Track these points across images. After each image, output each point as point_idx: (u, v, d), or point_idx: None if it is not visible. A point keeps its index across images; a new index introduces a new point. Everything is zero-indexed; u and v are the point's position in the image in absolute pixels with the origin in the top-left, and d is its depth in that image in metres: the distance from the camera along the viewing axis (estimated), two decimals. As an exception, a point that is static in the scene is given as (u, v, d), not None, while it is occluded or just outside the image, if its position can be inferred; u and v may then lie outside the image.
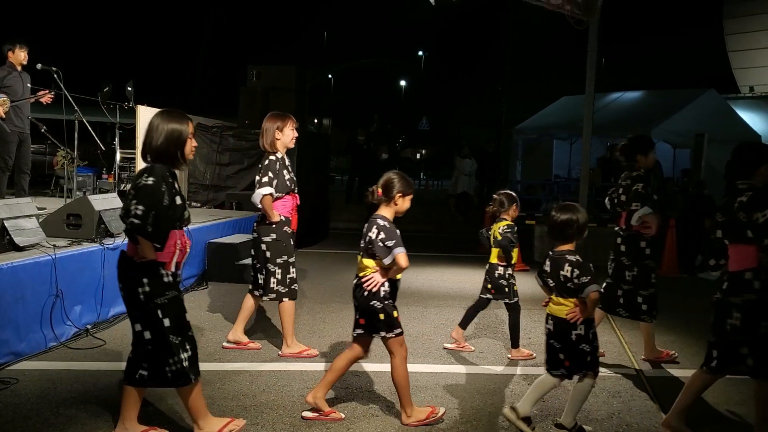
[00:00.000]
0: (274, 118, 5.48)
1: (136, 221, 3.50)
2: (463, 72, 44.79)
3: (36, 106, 8.76)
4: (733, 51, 21.24)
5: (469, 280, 9.02)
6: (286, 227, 5.41)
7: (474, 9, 30.97)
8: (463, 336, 5.90)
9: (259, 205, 5.32)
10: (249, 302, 5.63)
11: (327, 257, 10.60)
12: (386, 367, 5.28)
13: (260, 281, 5.47)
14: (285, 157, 5.47)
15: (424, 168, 38.32)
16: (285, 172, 5.39)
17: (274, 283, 5.40)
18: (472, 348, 5.86)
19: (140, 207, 3.52)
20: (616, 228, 5.76)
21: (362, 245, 4.18)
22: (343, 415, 4.28)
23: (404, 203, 4.20)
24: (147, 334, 3.68)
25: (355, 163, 19.29)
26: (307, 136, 12.44)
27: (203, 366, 5.10)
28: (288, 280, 5.45)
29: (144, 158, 3.77)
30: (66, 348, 5.41)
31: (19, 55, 8.36)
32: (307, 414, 4.23)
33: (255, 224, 5.49)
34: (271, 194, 5.28)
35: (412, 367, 5.27)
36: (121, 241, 6.42)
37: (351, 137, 19.16)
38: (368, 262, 4.14)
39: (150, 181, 3.59)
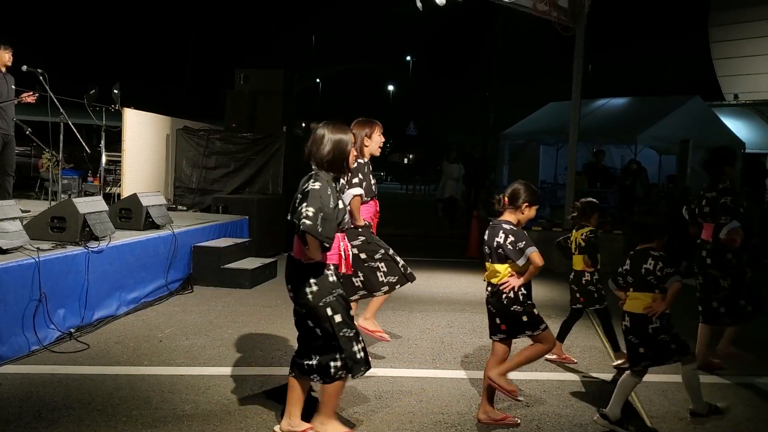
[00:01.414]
0: (362, 125, 5.38)
1: (307, 221, 3.61)
2: (450, 77, 44.94)
3: (21, 107, 8.70)
4: (718, 59, 21.44)
5: (455, 284, 9.04)
6: (369, 231, 5.39)
7: (462, 15, 31.08)
8: (562, 348, 5.87)
9: (348, 206, 5.26)
10: (375, 301, 5.54)
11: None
12: (372, 371, 5.28)
13: (359, 284, 5.38)
14: (369, 163, 5.44)
15: (410, 172, 38.36)
16: (370, 176, 5.38)
17: (381, 276, 5.36)
18: (575, 360, 5.84)
19: (310, 208, 3.64)
20: (699, 241, 5.75)
21: (487, 252, 4.33)
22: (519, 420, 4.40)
23: (530, 212, 4.36)
24: (318, 331, 3.85)
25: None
26: (295, 139, 12.45)
27: (186, 370, 5.10)
28: (399, 268, 5.41)
29: (309, 166, 3.92)
30: (49, 352, 5.37)
31: (3, 57, 8.30)
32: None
33: None
34: (360, 195, 5.23)
35: (396, 372, 5.30)
36: (106, 244, 6.39)
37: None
38: (500, 268, 4.28)
39: (317, 185, 3.75)
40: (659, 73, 31.13)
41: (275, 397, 4.62)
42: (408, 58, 52.21)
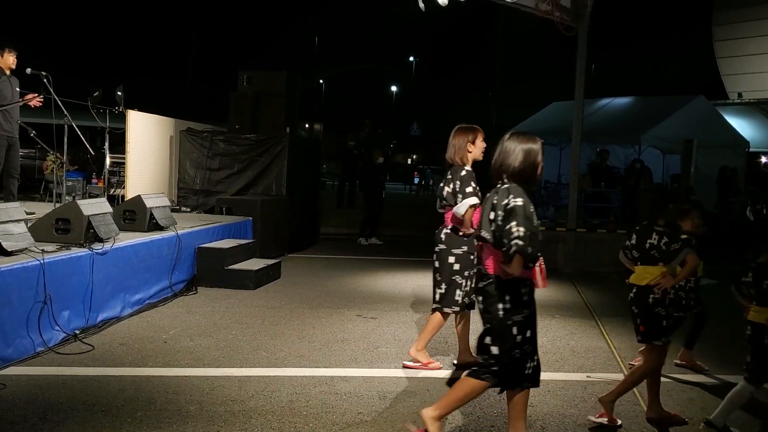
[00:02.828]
0: (465, 132, 5.32)
1: (520, 242, 3.58)
2: (453, 78, 44.97)
3: (26, 110, 8.72)
4: (721, 57, 21.44)
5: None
6: (474, 240, 5.38)
7: (463, 15, 31.10)
8: (690, 356, 5.79)
9: (462, 216, 5.15)
10: (437, 318, 5.45)
11: (317, 262, 10.60)
12: (375, 372, 5.30)
13: (438, 294, 5.36)
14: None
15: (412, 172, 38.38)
16: (474, 184, 5.28)
17: (459, 296, 5.30)
18: (705, 367, 5.75)
19: (521, 229, 3.61)
20: None
21: (636, 255, 4.37)
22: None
23: None
24: (494, 349, 3.78)
25: (345, 169, 19.30)
26: (298, 141, 12.46)
27: (190, 371, 5.11)
28: (470, 292, 5.33)
29: (496, 179, 3.86)
30: (54, 353, 5.38)
31: (8, 59, 8.31)
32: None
33: (444, 235, 5.35)
34: (475, 205, 5.11)
35: (401, 372, 5.30)
36: (110, 246, 6.41)
37: (341, 143, 19.20)
38: (652, 269, 4.31)
39: (520, 202, 3.69)
40: (662, 73, 31.13)
41: (280, 398, 4.63)
42: (410, 58, 52.26)
